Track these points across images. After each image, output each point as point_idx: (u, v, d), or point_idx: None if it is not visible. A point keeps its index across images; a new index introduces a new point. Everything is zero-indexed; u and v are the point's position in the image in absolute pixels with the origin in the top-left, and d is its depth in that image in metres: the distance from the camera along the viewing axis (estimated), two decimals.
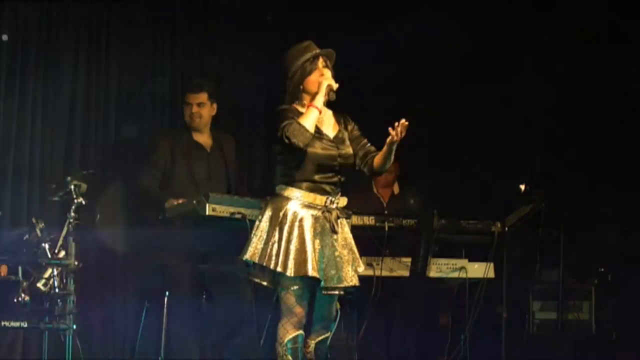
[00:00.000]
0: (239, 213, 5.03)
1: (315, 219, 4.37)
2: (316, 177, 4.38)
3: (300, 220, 4.33)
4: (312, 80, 4.42)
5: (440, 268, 5.86)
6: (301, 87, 4.43)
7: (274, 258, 4.28)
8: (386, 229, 5.59)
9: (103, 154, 5.90)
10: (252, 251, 4.35)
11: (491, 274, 5.87)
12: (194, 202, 5.05)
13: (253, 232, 4.39)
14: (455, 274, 5.88)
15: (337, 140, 4.48)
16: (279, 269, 4.26)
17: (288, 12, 6.77)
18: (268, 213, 4.38)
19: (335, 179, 4.44)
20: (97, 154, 5.87)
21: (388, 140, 4.37)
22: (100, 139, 5.90)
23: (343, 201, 4.47)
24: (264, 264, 4.30)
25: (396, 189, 6.70)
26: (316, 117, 4.36)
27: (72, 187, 4.70)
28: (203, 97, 5.61)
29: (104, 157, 5.90)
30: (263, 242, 4.33)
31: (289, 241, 4.29)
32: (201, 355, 5.65)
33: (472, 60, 7.38)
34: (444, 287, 6.09)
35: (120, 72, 6.01)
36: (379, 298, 5.47)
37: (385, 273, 5.62)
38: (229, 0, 6.56)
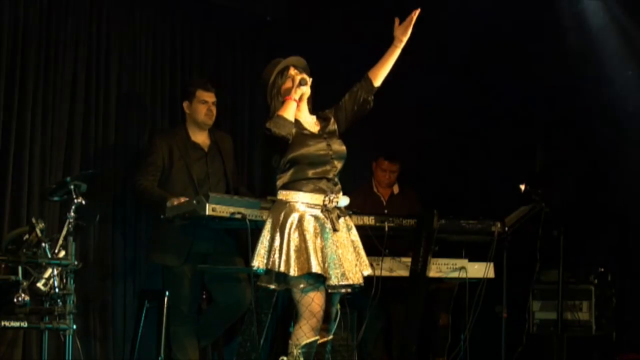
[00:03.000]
0: (239, 213, 5.03)
1: (316, 218, 4.43)
2: (313, 173, 4.45)
3: (301, 221, 4.38)
4: (286, 89, 4.54)
5: (440, 268, 5.86)
6: (280, 98, 4.55)
7: (277, 260, 4.34)
8: (386, 229, 5.59)
9: (103, 154, 5.89)
10: (259, 259, 4.40)
11: (491, 274, 5.88)
12: (194, 202, 5.05)
13: (259, 241, 4.45)
14: (455, 274, 5.88)
15: (324, 133, 4.57)
16: (282, 269, 4.32)
17: (288, 12, 6.77)
18: (270, 220, 4.46)
19: (330, 174, 4.50)
20: (97, 154, 5.86)
21: (400, 33, 4.60)
22: (100, 139, 5.89)
23: (345, 199, 4.52)
24: (269, 267, 4.37)
25: (396, 189, 6.71)
26: (295, 108, 4.47)
27: (72, 187, 4.69)
28: (214, 96, 5.67)
29: (104, 157, 5.89)
30: (267, 248, 4.40)
31: (289, 242, 4.34)
32: (201, 355, 5.66)
33: (473, 60, 7.39)
34: (444, 287, 6.10)
35: (120, 72, 6.00)
36: (379, 298, 5.47)
37: (385, 273, 5.63)
38: (229, 0, 6.56)
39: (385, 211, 6.46)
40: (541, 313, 6.84)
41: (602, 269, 6.92)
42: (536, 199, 5.97)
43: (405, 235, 5.83)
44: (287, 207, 4.41)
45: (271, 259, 4.36)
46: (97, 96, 5.88)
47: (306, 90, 4.55)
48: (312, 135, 4.54)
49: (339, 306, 4.62)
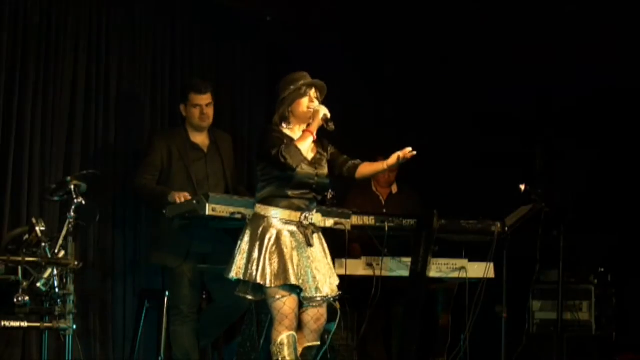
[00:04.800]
0: (238, 213, 5.04)
1: (292, 234, 4.62)
2: (291, 193, 4.63)
3: (278, 236, 4.58)
4: (301, 104, 4.70)
5: (440, 268, 5.86)
6: (290, 109, 4.71)
7: (254, 272, 4.53)
8: (386, 229, 5.60)
9: (103, 154, 5.89)
10: (236, 269, 4.59)
11: (491, 274, 5.88)
12: (194, 202, 5.06)
13: (236, 251, 4.63)
14: (455, 274, 5.88)
15: (315, 162, 4.73)
16: (259, 281, 4.52)
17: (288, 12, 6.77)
18: (248, 232, 4.64)
19: (310, 195, 4.69)
20: (97, 154, 5.86)
21: (391, 160, 4.69)
22: (100, 139, 5.89)
23: (317, 217, 4.72)
24: (247, 279, 4.55)
25: (394, 188, 6.71)
26: (311, 143, 4.67)
27: (72, 187, 4.70)
28: (210, 97, 5.65)
29: (104, 157, 5.89)
30: (245, 259, 4.58)
31: (266, 255, 4.54)
32: (201, 355, 5.66)
33: (473, 60, 7.39)
34: (444, 287, 6.09)
35: (120, 72, 6.00)
36: (379, 298, 5.47)
37: (385, 273, 5.63)
38: (229, 0, 6.55)
39: (384, 210, 6.46)
40: (541, 313, 6.84)
41: (602, 269, 6.92)
42: (536, 199, 5.96)
43: (405, 235, 5.82)
44: (265, 222, 4.60)
45: (249, 271, 4.54)
46: (97, 96, 5.88)
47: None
48: (306, 161, 4.66)
49: (338, 306, 4.76)
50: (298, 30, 6.79)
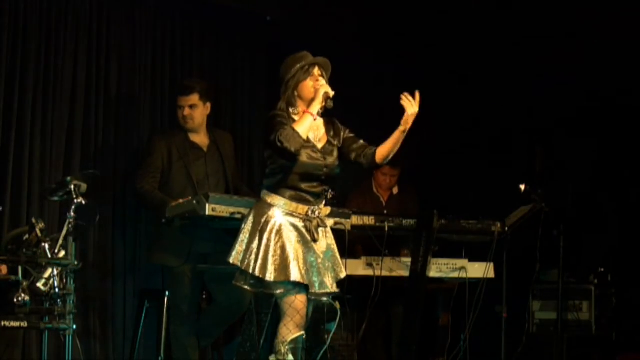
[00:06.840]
0: (239, 213, 5.03)
1: (296, 227, 4.48)
2: (301, 185, 4.49)
3: (281, 228, 4.44)
4: (306, 86, 4.54)
5: (440, 268, 5.86)
6: (295, 92, 4.56)
7: (252, 263, 4.39)
8: (386, 229, 5.59)
9: (103, 154, 5.89)
10: (235, 255, 4.47)
11: (491, 274, 5.88)
12: (194, 202, 5.05)
13: (238, 236, 4.50)
14: (455, 274, 5.89)
15: (325, 151, 4.58)
16: (257, 273, 4.37)
17: (288, 12, 6.78)
18: (251, 218, 4.51)
19: (319, 189, 4.54)
20: (97, 154, 5.86)
21: (404, 120, 4.51)
22: (100, 139, 5.89)
23: (325, 211, 4.58)
24: (244, 269, 4.42)
25: (395, 190, 6.71)
26: (310, 124, 4.47)
27: (72, 187, 4.69)
28: (194, 98, 5.59)
29: (104, 157, 5.89)
30: (244, 247, 4.45)
31: (268, 247, 4.39)
32: (201, 355, 5.65)
33: (473, 60, 7.39)
34: (444, 287, 6.10)
35: (120, 72, 6.00)
36: (379, 298, 5.47)
37: (385, 273, 5.63)
38: (229, 0, 6.56)
39: (385, 212, 6.46)
40: (541, 313, 6.84)
41: (602, 269, 6.92)
42: (536, 199, 5.97)
43: (405, 235, 5.83)
44: (270, 211, 4.46)
45: (246, 260, 4.41)
46: (97, 96, 5.88)
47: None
48: (313, 148, 4.54)
49: (338, 305, 4.70)
50: (298, 30, 6.78)
